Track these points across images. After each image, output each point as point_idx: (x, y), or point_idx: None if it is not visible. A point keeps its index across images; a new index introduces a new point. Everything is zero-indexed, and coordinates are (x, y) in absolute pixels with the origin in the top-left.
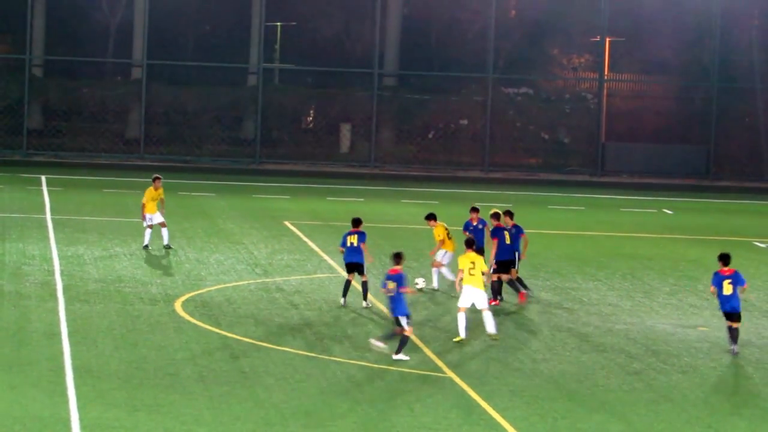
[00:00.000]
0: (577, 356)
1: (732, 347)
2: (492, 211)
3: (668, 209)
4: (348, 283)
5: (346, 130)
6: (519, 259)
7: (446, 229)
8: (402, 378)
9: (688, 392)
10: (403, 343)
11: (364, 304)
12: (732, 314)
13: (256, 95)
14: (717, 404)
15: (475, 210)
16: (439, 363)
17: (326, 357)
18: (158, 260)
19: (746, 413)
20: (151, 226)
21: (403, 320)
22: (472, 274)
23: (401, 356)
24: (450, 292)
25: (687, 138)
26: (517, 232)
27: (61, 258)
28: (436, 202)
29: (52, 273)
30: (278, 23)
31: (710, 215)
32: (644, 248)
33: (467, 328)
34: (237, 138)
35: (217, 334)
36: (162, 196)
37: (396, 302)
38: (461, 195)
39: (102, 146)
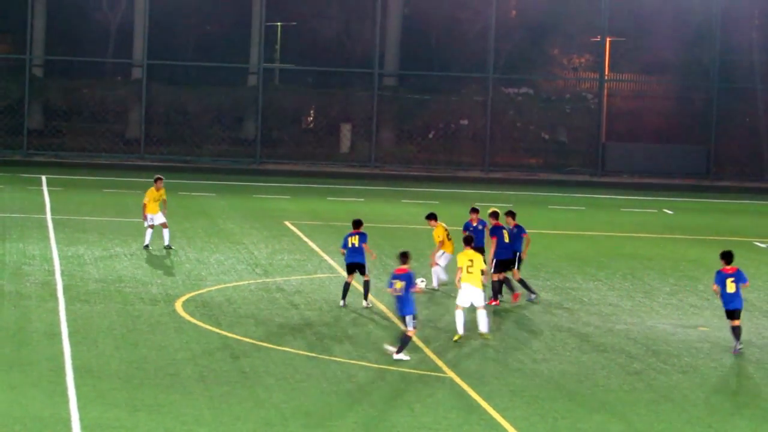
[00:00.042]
0: (577, 356)
1: (736, 345)
2: (490, 210)
3: (668, 209)
4: (347, 285)
5: (346, 130)
6: (521, 259)
7: (446, 229)
8: (402, 378)
9: (688, 392)
10: (405, 342)
11: (364, 303)
12: (734, 312)
13: (256, 95)
14: (718, 404)
15: (474, 211)
16: (440, 363)
17: (326, 357)
18: (159, 260)
19: (747, 413)
20: (152, 226)
21: (410, 320)
22: (471, 272)
23: (402, 356)
24: (450, 292)
25: (687, 138)
26: (518, 232)
27: (61, 258)
28: (437, 202)
29: (52, 273)
30: (278, 23)
31: (710, 215)
32: (645, 248)
33: (466, 327)
34: (237, 138)
35: (218, 334)
36: (164, 197)
37: (404, 302)
38: (461, 195)
39: (102, 146)
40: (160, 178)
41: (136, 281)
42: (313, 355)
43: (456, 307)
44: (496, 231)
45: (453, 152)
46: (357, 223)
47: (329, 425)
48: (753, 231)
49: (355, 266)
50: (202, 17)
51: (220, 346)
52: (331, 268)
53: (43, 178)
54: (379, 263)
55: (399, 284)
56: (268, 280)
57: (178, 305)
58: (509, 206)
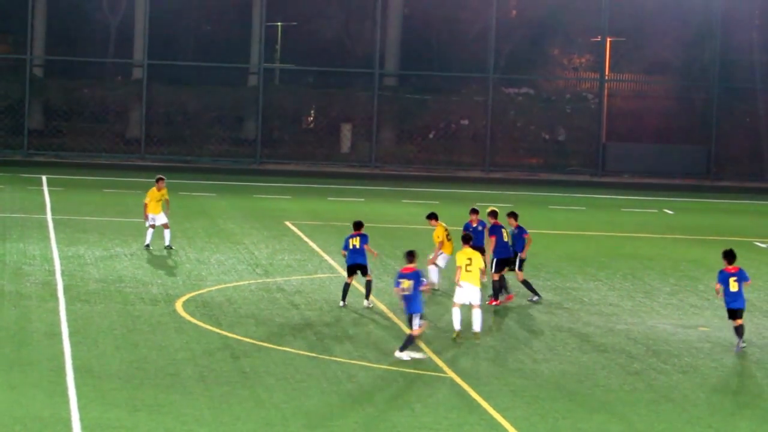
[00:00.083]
0: (577, 356)
1: (738, 343)
2: (489, 209)
3: (669, 209)
4: (347, 286)
5: (346, 130)
6: (522, 260)
7: (446, 230)
8: (403, 378)
9: (689, 392)
10: (408, 342)
11: (365, 303)
12: (737, 311)
13: (256, 95)
14: (718, 404)
15: (474, 212)
16: (440, 363)
17: (327, 357)
18: (159, 260)
19: (748, 413)
20: (153, 226)
21: (417, 318)
22: (469, 271)
23: (403, 355)
24: (450, 292)
25: (688, 138)
26: (519, 232)
27: (61, 258)
28: (437, 202)
29: (52, 273)
30: (279, 23)
31: (711, 215)
32: (645, 248)
33: (462, 323)
34: (238, 138)
35: (218, 334)
36: (166, 197)
37: (412, 300)
38: (462, 195)
39: (103, 146)
40: (161, 179)
41: (136, 281)
42: (314, 355)
43: (453, 304)
44: (496, 230)
45: (453, 152)
46: (358, 225)
47: (330, 425)
48: (753, 231)
49: (357, 267)
50: (202, 17)
51: (221, 346)
52: (331, 268)
53: (44, 178)
54: (380, 263)
55: (407, 283)
56: (268, 280)
57: (179, 305)
58: (509, 206)
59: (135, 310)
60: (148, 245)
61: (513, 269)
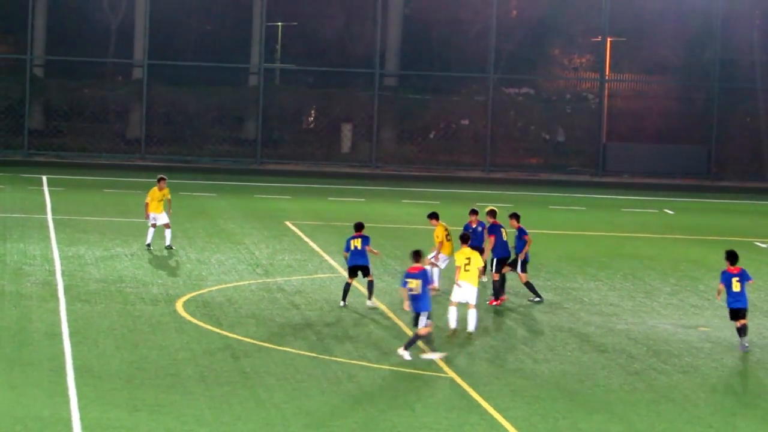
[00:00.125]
0: (578, 356)
1: (742, 342)
2: (488, 209)
3: (669, 209)
4: (348, 286)
5: (347, 130)
6: (525, 261)
7: (446, 230)
8: (403, 378)
9: (689, 392)
10: (414, 340)
11: (369, 303)
12: (740, 311)
13: (257, 95)
14: (719, 404)
15: (474, 212)
16: (440, 363)
17: (327, 357)
18: (159, 260)
19: (748, 413)
20: (154, 225)
21: (424, 317)
22: (468, 270)
23: (406, 354)
24: (449, 292)
25: (688, 138)
26: (520, 233)
27: (62, 258)
28: (437, 203)
29: (53, 273)
30: (279, 23)
31: (711, 215)
32: (645, 248)
33: (459, 322)
34: (238, 138)
35: (218, 334)
36: (168, 197)
37: (421, 299)
38: (462, 195)
39: (103, 146)
40: (163, 178)
41: (136, 281)
42: (314, 355)
43: (450, 303)
44: (495, 229)
45: (454, 152)
46: (359, 226)
47: (330, 425)
48: (754, 231)
49: (358, 269)
50: (202, 17)
51: (221, 347)
52: (331, 268)
53: (44, 178)
54: (380, 263)
55: (414, 282)
56: (268, 280)
57: (179, 305)
58: (510, 206)
59: (135, 310)
60: (149, 245)
61: (515, 270)
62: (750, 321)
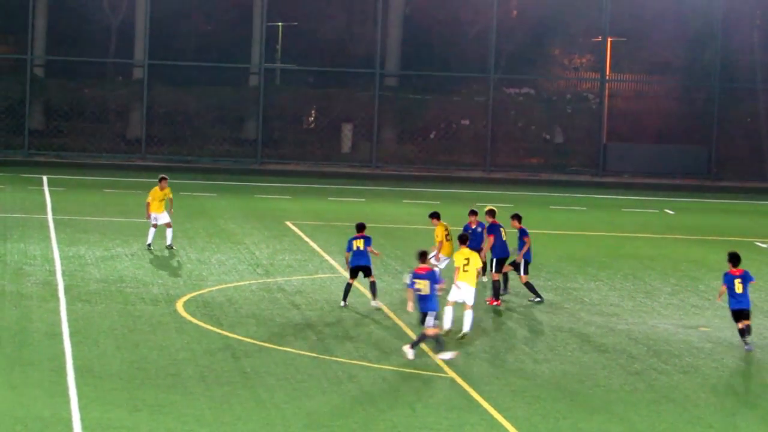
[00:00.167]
0: (578, 356)
1: (748, 345)
2: (487, 209)
3: (670, 209)
4: (349, 286)
5: (347, 130)
6: (527, 261)
7: (446, 230)
8: (404, 378)
9: (690, 392)
10: (420, 340)
11: (374, 304)
12: (743, 312)
13: (257, 95)
14: (719, 404)
15: (473, 213)
16: (441, 363)
17: (328, 357)
18: (160, 260)
19: (748, 414)
20: (155, 225)
21: (431, 317)
22: (466, 271)
23: (410, 352)
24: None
25: (688, 138)
26: (521, 234)
27: (62, 258)
28: (438, 203)
29: (53, 273)
30: (280, 23)
31: (712, 215)
32: (646, 248)
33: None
34: (238, 138)
35: (219, 334)
36: (170, 196)
37: (429, 299)
38: (463, 195)
39: (103, 146)
40: (164, 178)
41: (137, 281)
42: (315, 355)
43: (446, 303)
44: (494, 229)
45: (454, 152)
46: (361, 227)
47: (331, 425)
48: (754, 231)
49: (360, 269)
50: (203, 17)
51: (222, 347)
52: (332, 268)
53: (44, 178)
54: (380, 263)
55: (422, 283)
56: (269, 280)
57: (179, 305)
58: (510, 206)
59: (136, 310)
60: (149, 245)
61: (517, 270)
62: (751, 321)
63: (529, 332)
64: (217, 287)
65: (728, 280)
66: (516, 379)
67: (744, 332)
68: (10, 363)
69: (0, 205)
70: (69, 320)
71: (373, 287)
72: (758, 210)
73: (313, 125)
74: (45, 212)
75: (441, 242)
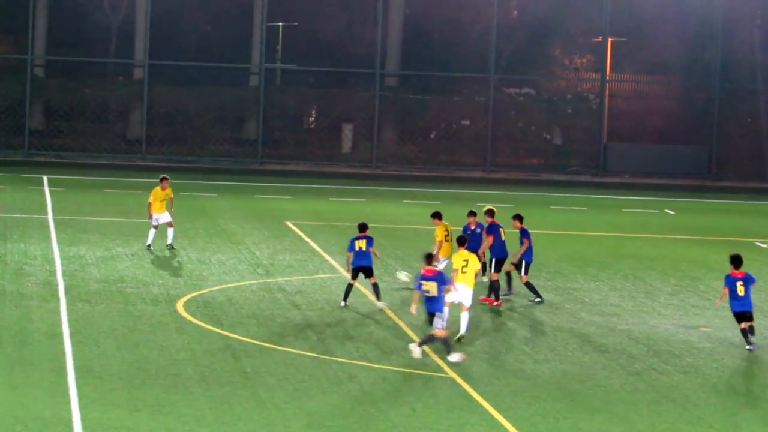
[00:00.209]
0: (578, 357)
1: (752, 344)
2: (486, 208)
3: (670, 210)
4: (350, 287)
5: (347, 130)
6: (529, 261)
7: (447, 230)
8: (404, 378)
9: (690, 393)
10: (428, 340)
11: (380, 305)
12: (745, 314)
13: (257, 95)
14: (719, 405)
15: (472, 214)
16: (441, 363)
17: (328, 357)
18: (160, 260)
19: (748, 414)
20: (156, 227)
21: (439, 318)
22: (465, 272)
23: (417, 350)
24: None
25: (689, 138)
26: (521, 235)
27: (62, 258)
28: (438, 203)
29: (53, 273)
30: (280, 23)
31: (712, 216)
32: (646, 248)
33: (466, 328)
34: (239, 138)
35: (219, 334)
36: (171, 196)
37: (436, 301)
38: (463, 195)
39: (104, 146)
40: (165, 178)
41: (137, 281)
42: (315, 355)
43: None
44: (493, 229)
45: (454, 152)
46: (363, 227)
47: (331, 425)
48: (755, 231)
49: (362, 270)
50: (203, 17)
51: (222, 347)
52: (332, 269)
53: (45, 178)
54: (381, 264)
55: (430, 285)
56: (269, 280)
57: (180, 305)
58: (511, 207)
59: (136, 311)
60: (149, 246)
61: (519, 270)
62: (754, 322)
63: (530, 332)
64: (217, 287)
65: (730, 282)
66: (516, 379)
67: (747, 332)
68: (11, 363)
69: (0, 205)
70: (69, 320)
71: (375, 289)
72: (758, 210)
73: (313, 125)
74: (45, 212)
75: (440, 242)
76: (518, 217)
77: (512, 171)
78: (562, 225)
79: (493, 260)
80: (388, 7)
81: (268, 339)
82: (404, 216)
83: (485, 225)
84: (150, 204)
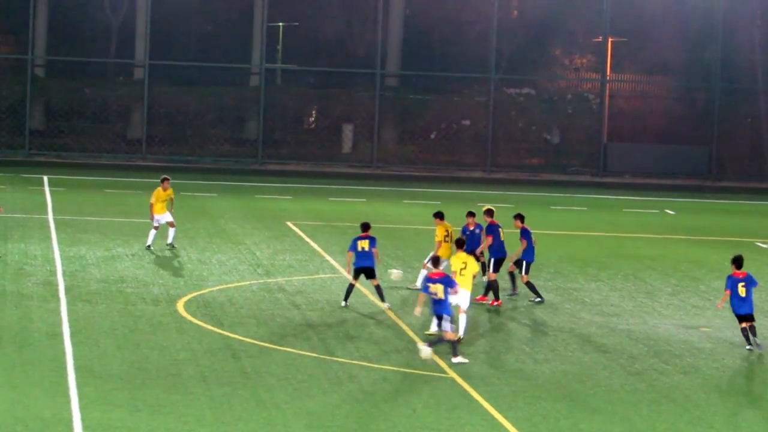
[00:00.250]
0: (579, 357)
1: (756, 345)
2: (485, 208)
3: (670, 210)
4: (351, 287)
5: (348, 130)
6: (530, 261)
7: (447, 231)
8: (404, 378)
9: (690, 393)
10: (438, 342)
11: (385, 305)
12: (746, 315)
13: (258, 95)
14: (720, 405)
15: (471, 214)
16: (441, 363)
17: (328, 357)
18: (160, 261)
19: (749, 414)
20: (157, 227)
21: (447, 321)
22: (463, 275)
23: (427, 351)
24: None
25: (689, 138)
26: (521, 235)
27: (63, 258)
28: (438, 203)
29: (54, 273)
30: (280, 23)
31: (712, 216)
32: (646, 249)
33: (466, 329)
34: (239, 138)
35: (219, 334)
36: (172, 196)
37: (443, 303)
38: (463, 195)
39: (104, 146)
40: (166, 179)
41: (137, 281)
42: (315, 355)
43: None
44: (493, 229)
45: (455, 153)
46: (366, 227)
47: (331, 425)
48: (755, 231)
49: (364, 270)
50: (203, 18)
51: (222, 347)
52: (333, 269)
53: (45, 178)
54: (381, 264)
55: (436, 287)
56: (269, 280)
57: (180, 305)
58: (511, 207)
59: (136, 311)
60: (149, 246)
61: (520, 271)
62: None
63: (530, 332)
64: (217, 287)
65: (732, 283)
66: (516, 379)
67: (747, 332)
68: (11, 363)
69: (0, 205)
70: (70, 320)
71: (379, 291)
72: (759, 210)
73: (313, 125)
74: (46, 212)
75: (439, 242)
76: (519, 217)
77: (512, 171)
78: (563, 225)
79: (492, 260)
80: (389, 7)
81: (269, 339)
82: (404, 216)
83: (484, 225)
84: (152, 205)
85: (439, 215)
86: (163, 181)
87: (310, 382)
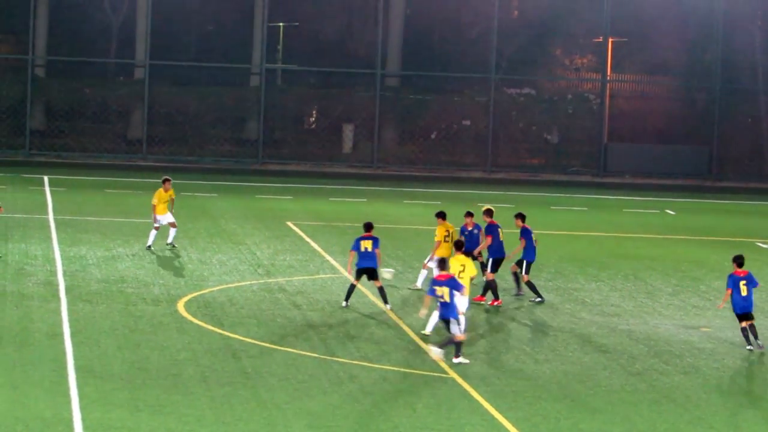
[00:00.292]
0: (579, 357)
1: (758, 345)
2: (484, 208)
3: (671, 210)
4: (353, 287)
5: (348, 130)
6: (530, 261)
7: (448, 231)
8: (404, 378)
9: (690, 393)
10: (450, 343)
11: (388, 307)
12: (746, 314)
13: (258, 96)
14: (720, 405)
15: (469, 215)
16: (442, 363)
17: (329, 357)
18: (161, 261)
19: (749, 414)
20: (158, 228)
21: (455, 323)
22: (461, 278)
23: (438, 352)
24: None
25: (689, 138)
26: (520, 235)
27: (63, 258)
28: (439, 203)
29: (54, 273)
30: (281, 24)
31: (713, 216)
32: (647, 249)
33: (466, 329)
34: (239, 138)
35: (220, 334)
36: (173, 196)
37: (450, 306)
38: (464, 195)
39: (104, 147)
40: (168, 180)
41: (138, 282)
42: (316, 355)
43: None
44: (492, 229)
45: (455, 153)
46: (369, 227)
47: (332, 425)
48: (755, 231)
49: (367, 271)
50: (204, 18)
51: (222, 347)
52: (333, 269)
53: (46, 178)
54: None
55: (442, 290)
56: (270, 280)
57: (180, 306)
58: (511, 207)
59: (137, 311)
60: (149, 246)
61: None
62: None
63: (530, 332)
64: (218, 287)
65: (733, 281)
66: (517, 379)
67: (747, 332)
68: (12, 363)
69: (1, 205)
70: (70, 320)
71: (382, 292)
72: (759, 210)
73: (314, 125)
74: (46, 212)
75: (439, 242)
76: (520, 216)
77: (513, 171)
78: (563, 225)
79: (490, 260)
80: (389, 7)
81: (269, 339)
82: (405, 216)
83: (483, 225)
84: (154, 206)
85: (441, 215)
86: (164, 182)
87: (311, 382)
